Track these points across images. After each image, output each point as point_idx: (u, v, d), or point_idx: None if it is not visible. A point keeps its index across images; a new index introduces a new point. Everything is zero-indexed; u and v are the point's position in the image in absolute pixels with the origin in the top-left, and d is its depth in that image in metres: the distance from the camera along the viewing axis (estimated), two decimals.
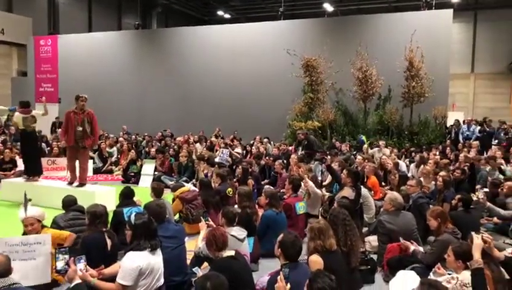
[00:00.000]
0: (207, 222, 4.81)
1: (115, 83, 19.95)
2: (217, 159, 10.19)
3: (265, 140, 14.41)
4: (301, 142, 11.22)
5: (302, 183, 6.60)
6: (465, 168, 7.94)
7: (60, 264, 3.31)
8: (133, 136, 16.31)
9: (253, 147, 13.00)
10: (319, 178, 7.75)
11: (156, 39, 20.56)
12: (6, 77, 22.50)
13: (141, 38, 21.04)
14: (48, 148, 13.28)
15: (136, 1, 24.55)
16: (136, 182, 10.68)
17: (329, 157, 8.11)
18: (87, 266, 3.47)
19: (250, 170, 8.75)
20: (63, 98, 19.65)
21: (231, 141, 14.66)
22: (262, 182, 9.22)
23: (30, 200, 4.52)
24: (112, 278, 3.53)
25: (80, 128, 8.01)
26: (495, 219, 6.31)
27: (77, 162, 8.43)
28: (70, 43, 21.12)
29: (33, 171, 8.98)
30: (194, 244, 4.59)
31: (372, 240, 5.49)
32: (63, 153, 11.52)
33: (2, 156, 11.13)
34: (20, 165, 10.31)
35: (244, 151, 13.12)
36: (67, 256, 3.35)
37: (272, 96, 16.83)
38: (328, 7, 24.96)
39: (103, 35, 21.41)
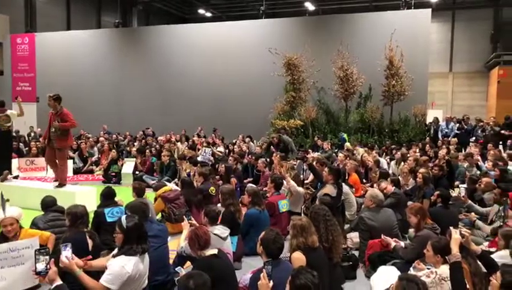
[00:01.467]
0: (189, 221, 4.80)
1: (95, 82, 19.74)
2: (199, 158, 10.18)
3: (248, 139, 14.43)
4: (277, 145, 11.24)
5: (285, 182, 6.62)
6: (443, 165, 8.09)
7: (40, 266, 3.20)
8: (114, 136, 16.18)
9: (235, 146, 12.98)
10: (301, 176, 7.80)
11: (136, 37, 20.46)
12: None
13: (121, 37, 20.84)
14: (26, 148, 13.03)
15: None
16: (117, 182, 10.63)
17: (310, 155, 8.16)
18: (73, 255, 3.39)
19: (233, 168, 8.75)
20: (41, 97, 19.25)
21: (213, 139, 14.62)
22: (245, 181, 9.24)
23: (8, 200, 4.42)
24: (94, 272, 3.48)
25: (53, 129, 7.81)
26: (472, 215, 6.43)
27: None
28: (48, 41, 20.80)
29: (1, 168, 8.77)
30: (177, 244, 4.57)
31: (354, 237, 5.57)
32: (41, 152, 11.24)
33: None
34: None
35: (227, 150, 13.09)
36: (47, 257, 3.26)
37: (254, 95, 16.91)
38: (310, 6, 25.08)
39: (82, 33, 21.13)
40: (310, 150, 10.70)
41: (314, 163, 7.16)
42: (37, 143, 12.23)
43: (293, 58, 15.21)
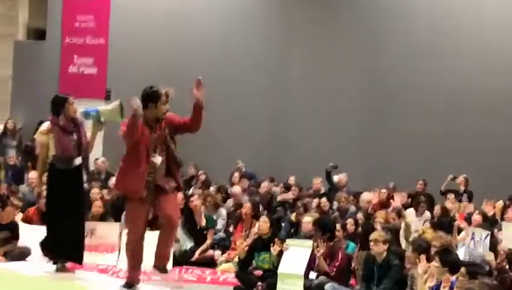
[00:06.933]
0: None
1: (226, 68, 20.80)
2: None
3: None
4: None
5: None
6: None
7: None
8: (263, 185, 16.22)
9: None
10: None
11: None
12: (7, 40, 23.20)
13: None
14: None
15: None
16: None
17: None
18: None
19: None
20: (114, 89, 20.31)
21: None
22: None
23: None
24: None
25: (157, 158, 8.40)
26: None
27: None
28: None
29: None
30: None
31: None
32: (113, 212, 12.39)
33: None
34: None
35: None
36: None
37: None
38: None
39: None
40: None
41: None
42: (103, 191, 13.86)
43: None
